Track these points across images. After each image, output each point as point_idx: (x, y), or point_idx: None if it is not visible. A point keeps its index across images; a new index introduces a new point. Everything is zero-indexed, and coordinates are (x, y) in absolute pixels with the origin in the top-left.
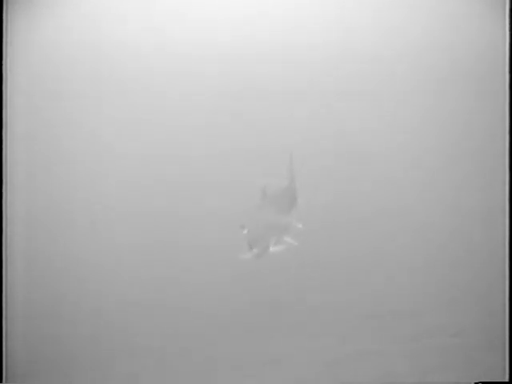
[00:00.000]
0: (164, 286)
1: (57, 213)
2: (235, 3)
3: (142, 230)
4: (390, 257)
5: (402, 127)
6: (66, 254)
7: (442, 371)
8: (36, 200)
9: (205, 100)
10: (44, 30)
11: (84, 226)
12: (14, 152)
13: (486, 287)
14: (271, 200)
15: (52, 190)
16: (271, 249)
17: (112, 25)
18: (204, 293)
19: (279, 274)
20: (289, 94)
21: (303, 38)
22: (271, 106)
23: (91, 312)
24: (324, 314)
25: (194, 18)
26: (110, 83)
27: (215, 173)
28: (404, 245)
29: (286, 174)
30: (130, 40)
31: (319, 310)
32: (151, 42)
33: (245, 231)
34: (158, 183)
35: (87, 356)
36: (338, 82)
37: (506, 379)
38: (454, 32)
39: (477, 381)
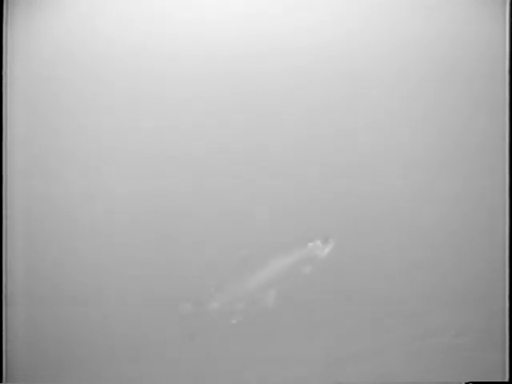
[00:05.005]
0: (165, 286)
1: (57, 213)
2: (236, 2)
3: (142, 230)
4: (391, 257)
5: (400, 127)
6: (66, 255)
7: (441, 371)
8: (36, 201)
9: (206, 100)
10: (44, 30)
11: (84, 225)
12: (13, 152)
13: (487, 287)
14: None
15: (52, 189)
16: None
17: (113, 25)
18: (203, 291)
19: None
20: (289, 93)
21: (304, 36)
22: (272, 105)
23: (91, 312)
24: (324, 314)
25: (195, 17)
26: (110, 84)
27: (216, 173)
28: (404, 245)
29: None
30: (130, 40)
31: (319, 310)
32: (152, 43)
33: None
34: (158, 184)
35: (88, 356)
36: (337, 81)
37: (506, 379)
38: (453, 31)
39: (477, 380)
